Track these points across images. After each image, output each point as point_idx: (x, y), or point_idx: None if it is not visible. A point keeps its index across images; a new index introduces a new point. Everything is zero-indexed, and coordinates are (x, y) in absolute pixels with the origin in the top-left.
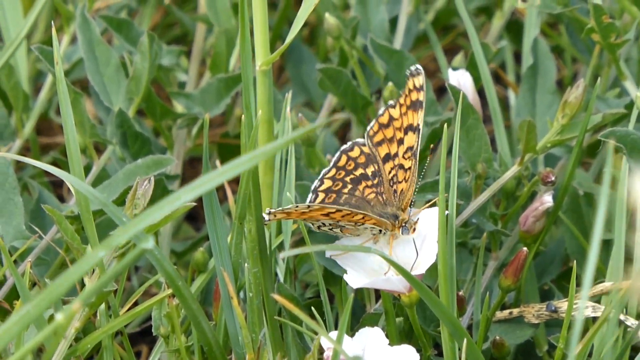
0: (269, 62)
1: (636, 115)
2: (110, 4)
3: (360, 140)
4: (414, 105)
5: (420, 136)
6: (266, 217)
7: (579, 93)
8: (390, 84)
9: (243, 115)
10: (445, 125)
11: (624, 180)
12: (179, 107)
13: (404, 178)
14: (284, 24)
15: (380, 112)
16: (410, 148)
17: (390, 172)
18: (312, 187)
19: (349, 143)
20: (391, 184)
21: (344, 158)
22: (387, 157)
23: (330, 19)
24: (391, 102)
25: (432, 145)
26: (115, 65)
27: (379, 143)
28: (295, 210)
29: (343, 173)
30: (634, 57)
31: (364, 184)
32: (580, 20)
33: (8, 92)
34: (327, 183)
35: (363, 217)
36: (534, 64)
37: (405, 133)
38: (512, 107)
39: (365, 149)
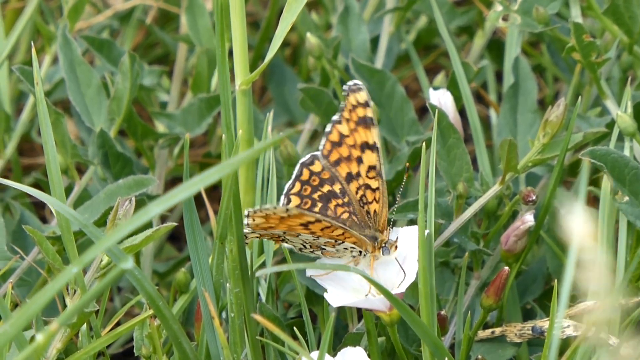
0: (249, 81)
1: (617, 134)
2: (92, 24)
3: (318, 153)
4: (365, 122)
5: (380, 155)
6: (245, 220)
7: (560, 112)
8: (372, 103)
9: (224, 135)
10: (425, 144)
11: (605, 199)
12: (160, 127)
13: (374, 199)
14: (265, 43)
15: (328, 129)
16: (372, 167)
17: (357, 192)
18: (280, 205)
19: (308, 156)
20: (361, 204)
21: (305, 172)
22: (350, 177)
23: (311, 39)
24: (335, 117)
25: (407, 164)
26: (96, 86)
27: (337, 162)
28: (274, 214)
29: (309, 189)
30: (615, 76)
31: (334, 202)
32: (562, 39)
33: None
34: (295, 200)
35: (343, 233)
36: (515, 83)
37: (362, 151)
38: (493, 127)
39: (327, 165)
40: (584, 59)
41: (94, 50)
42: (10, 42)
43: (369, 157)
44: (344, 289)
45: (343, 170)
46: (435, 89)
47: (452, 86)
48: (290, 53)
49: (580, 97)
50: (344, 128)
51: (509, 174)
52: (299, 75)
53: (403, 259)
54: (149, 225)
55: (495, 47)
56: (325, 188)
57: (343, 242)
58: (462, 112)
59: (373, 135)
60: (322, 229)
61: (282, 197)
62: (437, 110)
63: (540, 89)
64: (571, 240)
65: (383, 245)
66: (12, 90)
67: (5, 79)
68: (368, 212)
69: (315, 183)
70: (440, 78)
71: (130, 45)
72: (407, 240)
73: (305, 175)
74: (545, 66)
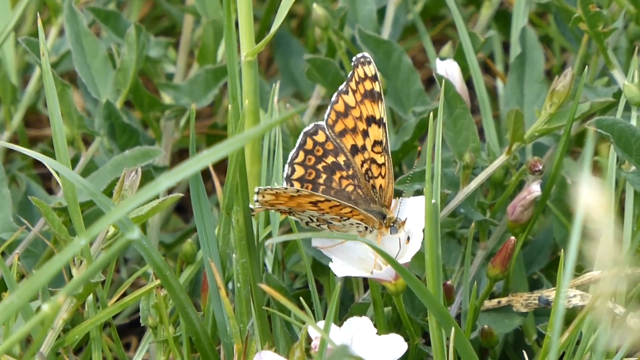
0: (254, 52)
1: (624, 104)
2: None
3: (322, 123)
4: (372, 96)
5: (387, 130)
6: (255, 197)
7: (566, 82)
8: (378, 73)
9: (230, 106)
10: (432, 114)
11: (611, 168)
12: (166, 98)
13: (380, 174)
14: (271, 15)
15: (334, 98)
16: (378, 142)
17: (362, 166)
18: (284, 175)
19: (312, 125)
20: (367, 178)
21: (309, 141)
22: (355, 150)
23: (318, 10)
24: (342, 87)
25: (419, 149)
26: (102, 57)
27: (342, 133)
28: (284, 193)
29: (313, 159)
30: (622, 46)
31: (338, 174)
32: (569, 9)
33: None
34: (299, 170)
35: (351, 211)
36: (522, 54)
37: (369, 125)
38: (500, 97)
39: (331, 135)
40: (590, 29)
41: (100, 22)
42: (16, 14)
43: (375, 132)
44: (349, 258)
45: (348, 142)
46: (442, 59)
47: (459, 57)
48: (297, 24)
49: (587, 67)
50: (350, 99)
51: (515, 144)
52: (306, 47)
53: (408, 230)
54: (155, 196)
55: (502, 17)
56: (330, 159)
57: (349, 218)
58: (469, 82)
59: (380, 110)
60: (330, 207)
61: (286, 165)
62: (443, 80)
63: (548, 60)
64: (577, 210)
65: (391, 224)
66: (18, 62)
67: (11, 51)
68: (374, 187)
69: (319, 153)
70: (447, 49)
71: (137, 17)
72: (413, 211)
73: (309, 144)
74: (552, 37)
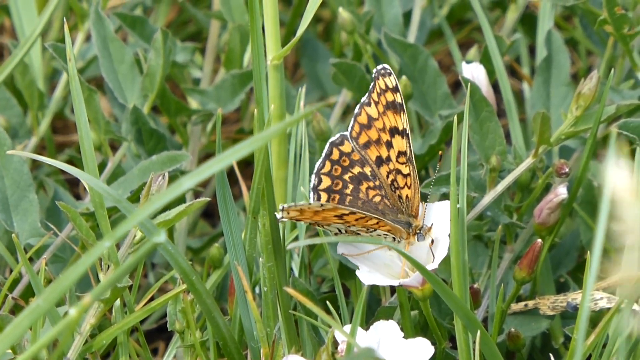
0: (280, 56)
1: None
2: (125, 2)
3: (347, 133)
4: (394, 107)
5: (410, 141)
6: (279, 215)
7: (592, 84)
8: (404, 77)
9: (255, 110)
10: (456, 117)
11: (637, 172)
12: (193, 103)
13: (406, 184)
14: (297, 19)
15: (357, 110)
16: (402, 153)
17: (388, 177)
18: (311, 185)
19: (338, 135)
20: (392, 189)
21: (335, 151)
22: (380, 161)
23: (344, 14)
24: (364, 98)
25: (440, 153)
26: (129, 63)
27: (366, 145)
28: (309, 209)
29: (340, 170)
30: None
31: (365, 184)
32: (594, 12)
33: (23, 91)
34: (326, 181)
35: (377, 223)
36: (548, 57)
37: (392, 136)
38: (526, 100)
39: (356, 146)
40: (616, 31)
41: (126, 27)
42: (43, 20)
43: (399, 143)
44: (375, 265)
45: (373, 153)
46: (468, 62)
47: (485, 60)
48: (323, 29)
49: (613, 70)
50: (372, 111)
51: (542, 147)
52: (332, 51)
53: (435, 236)
54: (182, 201)
55: (528, 20)
56: (356, 170)
57: (376, 229)
58: (495, 86)
59: (403, 121)
60: (356, 220)
61: (313, 176)
62: (469, 83)
63: (573, 63)
64: (602, 211)
65: (418, 231)
66: (45, 68)
67: (38, 57)
68: (400, 197)
69: (346, 164)
70: (472, 52)
71: (163, 22)
72: (438, 216)
73: (335, 154)
74: (577, 39)
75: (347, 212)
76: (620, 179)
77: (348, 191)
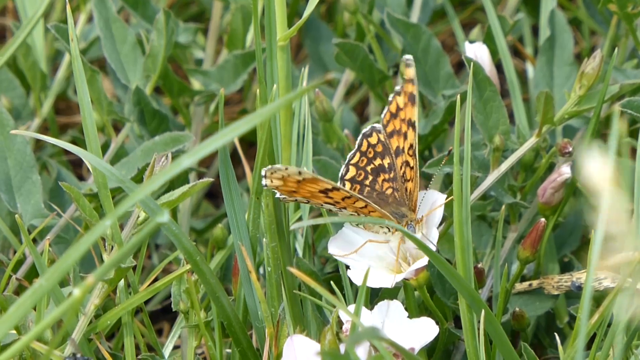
0: (287, 37)
1: None
2: None
3: (377, 125)
4: (412, 99)
5: (417, 134)
6: (263, 181)
7: (596, 64)
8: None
9: (258, 90)
10: (459, 97)
11: None
12: (196, 84)
13: (411, 177)
14: (300, 0)
15: (390, 98)
16: (412, 145)
17: (401, 168)
18: (340, 175)
19: (368, 127)
20: (402, 180)
21: (365, 143)
22: (398, 151)
23: None
24: (397, 87)
25: (450, 149)
26: (131, 43)
27: (391, 134)
28: (288, 175)
29: (365, 161)
30: None
31: (382, 176)
32: None
33: (26, 72)
34: (352, 171)
35: (366, 206)
36: (551, 37)
37: (408, 127)
38: (530, 80)
39: (382, 137)
40: (620, 10)
41: (128, 8)
42: (45, 1)
43: (411, 135)
44: (368, 258)
45: (394, 143)
46: (472, 42)
47: (488, 40)
48: (326, 10)
49: (616, 49)
50: (401, 100)
51: (545, 127)
52: (335, 32)
53: (425, 225)
54: (185, 181)
55: (531, 0)
56: (377, 161)
57: (366, 215)
58: (498, 66)
59: (415, 114)
60: (342, 199)
61: (343, 166)
62: (472, 63)
63: (577, 43)
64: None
65: (409, 223)
66: (48, 49)
67: (41, 38)
68: (406, 189)
69: (370, 155)
70: (475, 32)
71: (166, 3)
72: (426, 206)
73: (364, 146)
74: (581, 19)
75: (329, 186)
76: (599, 169)
77: (367, 182)
